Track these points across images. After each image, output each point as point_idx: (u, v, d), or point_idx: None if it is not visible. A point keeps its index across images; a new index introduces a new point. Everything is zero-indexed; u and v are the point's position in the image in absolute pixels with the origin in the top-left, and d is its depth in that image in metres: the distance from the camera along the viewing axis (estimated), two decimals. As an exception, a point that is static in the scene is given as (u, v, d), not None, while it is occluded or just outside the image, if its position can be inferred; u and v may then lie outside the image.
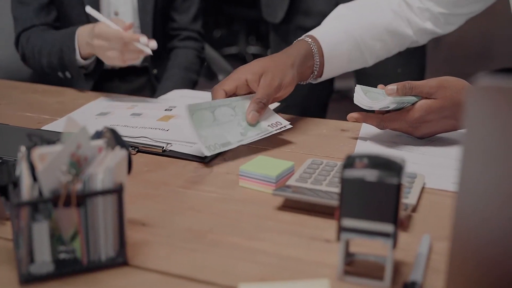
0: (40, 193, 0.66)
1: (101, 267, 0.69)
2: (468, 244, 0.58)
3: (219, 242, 0.76)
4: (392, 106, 1.02)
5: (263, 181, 0.90)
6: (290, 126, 1.07)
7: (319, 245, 0.76)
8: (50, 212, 0.67)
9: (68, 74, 1.41)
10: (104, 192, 0.67)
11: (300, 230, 0.79)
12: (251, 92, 1.07)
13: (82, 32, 1.35)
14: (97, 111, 1.24)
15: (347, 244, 0.68)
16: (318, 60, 1.14)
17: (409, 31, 1.23)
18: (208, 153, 0.97)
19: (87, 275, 0.69)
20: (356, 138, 1.11)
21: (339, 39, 1.17)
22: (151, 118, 1.17)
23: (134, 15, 1.57)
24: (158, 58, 1.58)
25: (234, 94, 1.06)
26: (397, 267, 0.70)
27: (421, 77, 1.66)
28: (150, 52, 1.27)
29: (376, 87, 1.06)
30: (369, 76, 1.53)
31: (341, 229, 0.66)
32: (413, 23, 1.23)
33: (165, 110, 1.24)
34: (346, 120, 1.08)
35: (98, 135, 0.73)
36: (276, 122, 1.07)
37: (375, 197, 0.64)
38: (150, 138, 1.06)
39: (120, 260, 0.70)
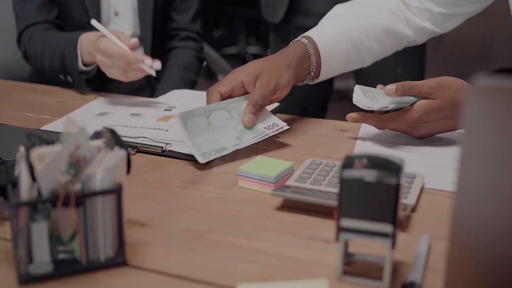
0: (39, 193, 0.66)
1: (100, 267, 0.69)
2: (467, 244, 0.58)
3: (218, 242, 0.76)
4: (391, 106, 1.02)
5: (262, 181, 0.90)
6: (287, 127, 1.06)
7: (318, 245, 0.76)
8: (49, 212, 0.67)
9: (69, 78, 1.40)
10: (103, 192, 0.67)
11: (299, 230, 0.79)
12: (247, 93, 1.06)
13: (85, 40, 1.33)
14: (97, 111, 1.24)
15: (346, 244, 0.68)
16: (314, 61, 1.13)
17: (407, 31, 1.23)
18: (203, 160, 0.96)
19: (86, 275, 0.69)
20: (356, 138, 1.11)
21: (336, 40, 1.17)
22: (150, 118, 1.17)
23: (134, 15, 1.57)
24: (158, 58, 1.57)
25: (230, 96, 1.05)
26: (396, 267, 0.70)
27: (421, 77, 1.66)
28: (154, 74, 1.26)
29: (375, 87, 1.06)
30: (368, 76, 1.53)
31: (340, 229, 0.66)
32: (412, 22, 1.23)
33: (165, 110, 1.24)
34: (345, 120, 1.08)
35: (97, 135, 0.73)
36: (273, 124, 1.06)
37: (374, 197, 0.64)
38: (149, 138, 1.06)
39: (119, 260, 0.70)
